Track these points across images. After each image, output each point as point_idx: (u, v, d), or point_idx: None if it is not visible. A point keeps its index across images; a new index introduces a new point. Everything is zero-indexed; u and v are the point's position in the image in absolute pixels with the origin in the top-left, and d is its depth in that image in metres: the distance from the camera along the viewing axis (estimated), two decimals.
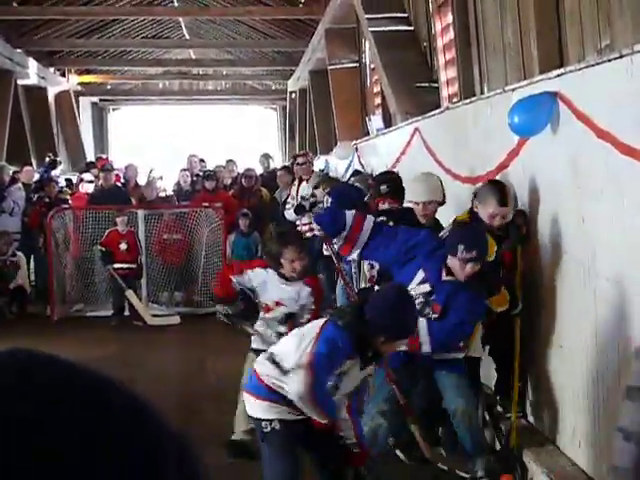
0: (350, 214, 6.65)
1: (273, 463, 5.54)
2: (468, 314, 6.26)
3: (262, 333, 7.30)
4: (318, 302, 7.21)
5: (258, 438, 5.69)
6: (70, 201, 16.77)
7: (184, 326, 13.63)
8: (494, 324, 7.05)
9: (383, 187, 9.27)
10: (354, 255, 7.33)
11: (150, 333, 13.28)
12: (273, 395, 5.48)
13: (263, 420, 5.49)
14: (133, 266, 14.10)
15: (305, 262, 7.13)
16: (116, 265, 13.95)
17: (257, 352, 6.70)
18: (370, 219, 6.70)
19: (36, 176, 17.71)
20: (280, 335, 6.68)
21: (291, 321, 7.03)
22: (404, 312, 5.44)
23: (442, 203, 8.21)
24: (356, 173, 14.02)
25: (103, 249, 14.02)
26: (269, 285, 7.18)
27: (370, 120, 16.01)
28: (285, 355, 5.45)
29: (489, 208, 6.85)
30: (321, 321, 5.63)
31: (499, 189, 6.92)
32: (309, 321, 6.44)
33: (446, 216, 7.95)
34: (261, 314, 7.34)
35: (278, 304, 7.15)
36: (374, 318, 5.29)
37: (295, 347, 5.39)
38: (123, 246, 13.98)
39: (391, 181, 9.74)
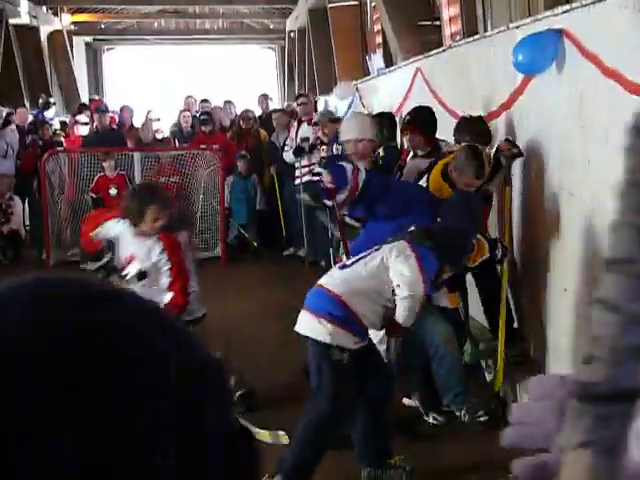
0: (349, 167, 6.65)
1: (340, 391, 5.67)
2: None
3: None
4: (174, 260, 6.73)
5: (318, 361, 5.76)
6: (64, 143, 16.70)
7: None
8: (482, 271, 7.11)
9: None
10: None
11: None
12: (352, 325, 5.69)
13: (336, 347, 5.63)
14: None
15: (166, 220, 6.69)
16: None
17: None
18: (363, 172, 6.72)
19: (30, 118, 17.67)
20: None
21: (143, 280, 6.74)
22: (466, 249, 6.28)
23: (379, 145, 8.39)
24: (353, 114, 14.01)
25: (94, 196, 13.96)
26: (124, 238, 6.84)
27: (371, 60, 15.93)
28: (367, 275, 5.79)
29: (465, 179, 6.88)
30: (400, 242, 5.94)
31: (478, 161, 6.90)
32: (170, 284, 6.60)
33: None
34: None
35: (131, 259, 6.83)
36: (447, 248, 6.01)
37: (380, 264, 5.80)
38: (113, 191, 13.78)
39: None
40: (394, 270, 5.75)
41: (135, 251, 6.76)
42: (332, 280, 5.90)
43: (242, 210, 14.90)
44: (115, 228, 6.88)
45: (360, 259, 5.96)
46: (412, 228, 6.08)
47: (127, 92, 31.77)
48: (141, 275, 6.74)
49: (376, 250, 5.93)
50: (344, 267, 6.07)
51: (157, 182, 13.82)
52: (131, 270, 6.77)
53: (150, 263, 6.70)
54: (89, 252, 7.21)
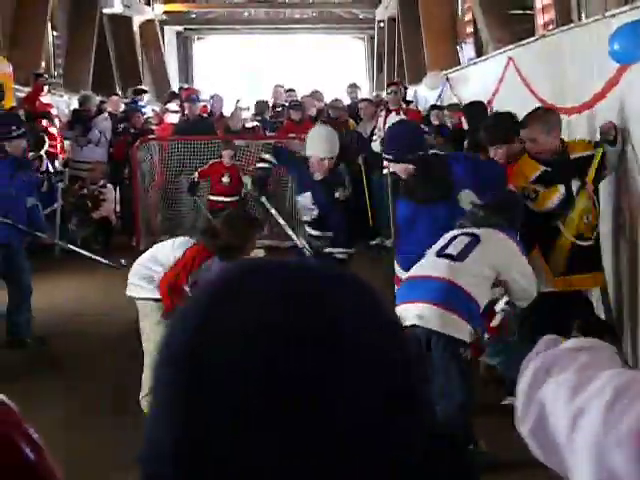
0: None
1: (464, 383, 5.85)
2: None
3: None
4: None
5: (447, 359, 5.80)
6: (156, 131, 16.89)
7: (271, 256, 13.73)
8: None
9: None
10: None
11: None
12: (478, 320, 5.90)
13: (462, 342, 5.76)
14: (232, 199, 14.03)
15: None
16: (214, 197, 13.98)
17: None
18: None
19: (122, 106, 17.90)
20: None
21: None
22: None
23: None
24: (433, 107, 14.01)
25: (196, 179, 14.03)
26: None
27: (461, 49, 15.87)
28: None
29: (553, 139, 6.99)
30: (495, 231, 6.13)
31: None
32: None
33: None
34: None
35: None
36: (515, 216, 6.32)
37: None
38: (226, 179, 13.91)
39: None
40: (506, 257, 5.93)
41: None
42: (450, 271, 5.90)
43: None
44: (214, 267, 7.02)
45: (448, 245, 6.03)
46: (474, 210, 6.13)
47: (216, 81, 31.99)
48: None
49: (465, 235, 6.00)
50: (442, 255, 6.04)
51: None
52: None
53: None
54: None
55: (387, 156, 7.24)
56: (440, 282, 5.85)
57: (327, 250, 8.40)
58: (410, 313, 5.72)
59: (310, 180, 8.43)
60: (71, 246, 11.28)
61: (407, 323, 5.63)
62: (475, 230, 6.06)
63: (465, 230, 6.11)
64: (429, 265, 6.05)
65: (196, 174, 13.90)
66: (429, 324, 5.74)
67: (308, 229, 8.71)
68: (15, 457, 1.00)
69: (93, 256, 10.44)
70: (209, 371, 0.94)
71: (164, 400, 0.98)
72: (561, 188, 6.72)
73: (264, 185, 9.00)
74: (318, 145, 8.46)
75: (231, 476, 0.92)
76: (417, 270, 6.10)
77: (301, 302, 0.97)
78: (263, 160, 9.03)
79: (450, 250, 6.00)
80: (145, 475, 0.99)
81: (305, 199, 8.52)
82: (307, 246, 8.56)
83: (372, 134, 14.24)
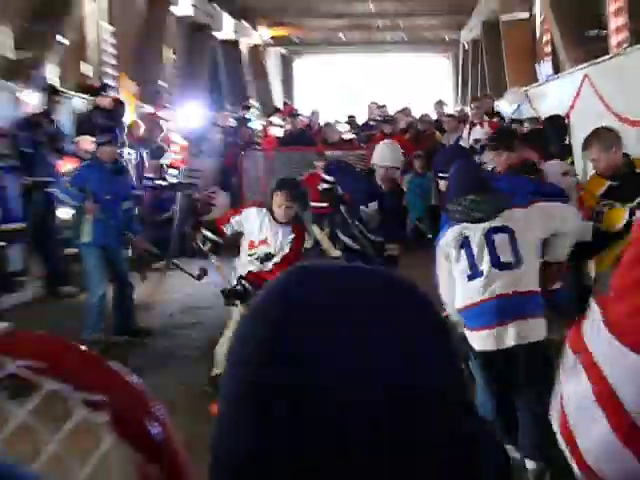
0: None
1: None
2: None
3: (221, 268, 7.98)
4: (295, 249, 7.44)
5: (539, 361, 5.53)
6: (261, 143, 17.05)
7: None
8: None
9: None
10: None
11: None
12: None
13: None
14: (325, 205, 14.11)
15: (291, 210, 7.37)
16: (313, 204, 14.06)
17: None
18: None
19: (231, 121, 18.10)
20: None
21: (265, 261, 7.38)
22: None
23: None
24: (512, 121, 13.88)
25: None
26: (261, 224, 7.41)
27: (540, 67, 15.70)
28: None
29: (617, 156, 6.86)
30: (511, 211, 5.76)
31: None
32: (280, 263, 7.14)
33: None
34: (244, 251, 7.60)
35: (263, 243, 7.42)
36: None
37: None
38: (321, 187, 14.04)
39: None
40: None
41: (269, 236, 7.36)
42: (516, 281, 5.60)
43: (418, 204, 14.93)
44: (253, 214, 7.47)
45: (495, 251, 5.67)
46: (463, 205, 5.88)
47: (315, 97, 32.10)
48: (267, 256, 7.35)
49: (497, 233, 5.70)
50: (501, 267, 5.64)
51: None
52: (259, 251, 7.39)
53: (278, 248, 7.34)
54: (216, 225, 7.65)
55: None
56: (515, 296, 5.56)
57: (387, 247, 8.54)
58: (505, 334, 5.50)
59: (376, 190, 8.51)
60: (175, 261, 11.45)
61: (503, 346, 5.48)
62: (497, 223, 5.68)
63: (492, 226, 5.69)
64: (496, 281, 5.63)
65: None
66: (527, 339, 5.53)
67: (369, 235, 8.75)
68: (145, 435, 1.02)
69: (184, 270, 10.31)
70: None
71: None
72: (626, 211, 6.59)
73: (338, 199, 9.14)
74: (388, 157, 8.61)
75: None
76: (486, 290, 5.62)
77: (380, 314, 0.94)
78: (325, 181, 9.31)
79: (504, 258, 5.63)
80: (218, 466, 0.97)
81: (371, 208, 8.55)
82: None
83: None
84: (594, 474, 1.67)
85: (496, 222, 5.64)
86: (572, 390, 1.73)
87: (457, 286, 5.73)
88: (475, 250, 5.63)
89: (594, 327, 1.71)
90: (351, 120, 19.27)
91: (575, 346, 1.76)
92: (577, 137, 10.73)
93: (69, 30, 14.19)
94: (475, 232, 5.66)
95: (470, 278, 5.65)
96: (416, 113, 18.54)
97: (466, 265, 5.66)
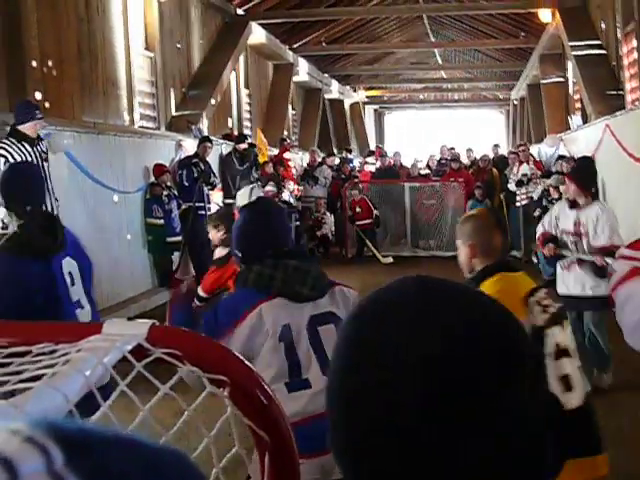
0: None
1: None
2: None
3: None
4: None
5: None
6: (359, 176, 17.05)
7: (424, 264, 13.48)
8: None
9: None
10: None
11: (385, 266, 13.43)
12: None
13: None
14: (368, 221, 14.23)
15: None
16: (358, 222, 14.29)
17: None
18: None
19: (337, 160, 18.14)
20: None
21: None
22: None
23: None
24: (560, 157, 13.55)
25: (350, 214, 14.48)
26: None
27: (572, 119, 15.34)
28: None
29: None
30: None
31: None
32: None
33: (630, 196, 7.51)
34: None
35: None
36: None
37: None
38: (358, 209, 14.50)
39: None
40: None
41: None
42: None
43: None
44: None
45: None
46: None
47: (401, 142, 31.99)
48: None
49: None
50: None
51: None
52: None
53: None
54: None
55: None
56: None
57: None
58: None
59: None
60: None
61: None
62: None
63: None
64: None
65: (349, 211, 14.58)
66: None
67: None
68: (253, 403, 1.01)
69: None
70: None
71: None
72: None
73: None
74: None
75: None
76: None
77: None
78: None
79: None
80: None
81: None
82: None
83: (508, 178, 14.02)
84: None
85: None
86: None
87: None
88: None
89: None
90: (430, 158, 19.06)
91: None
92: (600, 173, 10.60)
93: (218, 94, 14.43)
94: None
95: None
96: (477, 153, 18.38)
97: None
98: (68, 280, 3.54)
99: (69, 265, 3.56)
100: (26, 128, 7.33)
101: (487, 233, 2.95)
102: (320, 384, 2.51)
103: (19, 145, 7.29)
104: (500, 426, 0.76)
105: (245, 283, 2.76)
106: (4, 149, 7.21)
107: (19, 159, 7.17)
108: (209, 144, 11.94)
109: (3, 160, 7.14)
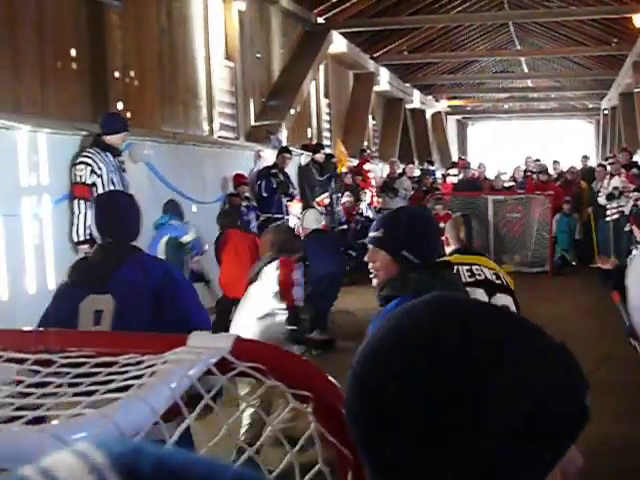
0: None
1: None
2: None
3: None
4: None
5: None
6: (441, 189, 16.96)
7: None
8: None
9: None
10: None
11: None
12: None
13: None
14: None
15: None
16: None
17: None
18: None
19: (417, 172, 18.10)
20: None
21: None
22: None
23: None
24: None
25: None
26: None
27: None
28: None
29: None
30: None
31: None
32: None
33: None
34: None
35: None
36: None
37: None
38: (442, 224, 13.92)
39: None
40: None
41: None
42: None
43: (565, 239, 14.49)
44: None
45: None
46: None
47: (485, 153, 31.66)
48: None
49: None
50: None
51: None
52: None
53: None
54: None
55: None
56: None
57: None
58: None
59: None
60: None
61: None
62: None
63: None
64: None
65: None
66: None
67: None
68: (338, 420, 1.01)
69: None
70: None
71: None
72: None
73: None
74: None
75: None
76: None
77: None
78: None
79: None
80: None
81: None
82: None
83: (598, 191, 13.70)
84: None
85: None
86: None
87: None
88: None
89: None
90: (515, 170, 18.72)
91: None
92: None
93: (297, 103, 14.56)
94: None
95: None
96: (564, 165, 18.04)
97: None
98: (91, 318, 3.28)
99: (95, 303, 3.32)
100: (114, 139, 7.61)
101: (455, 230, 4.53)
102: None
103: (103, 155, 7.54)
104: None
105: (404, 290, 2.87)
106: (90, 158, 7.48)
107: (103, 168, 7.45)
108: (288, 155, 12.03)
109: (89, 169, 7.42)
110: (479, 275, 4.00)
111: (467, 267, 4.03)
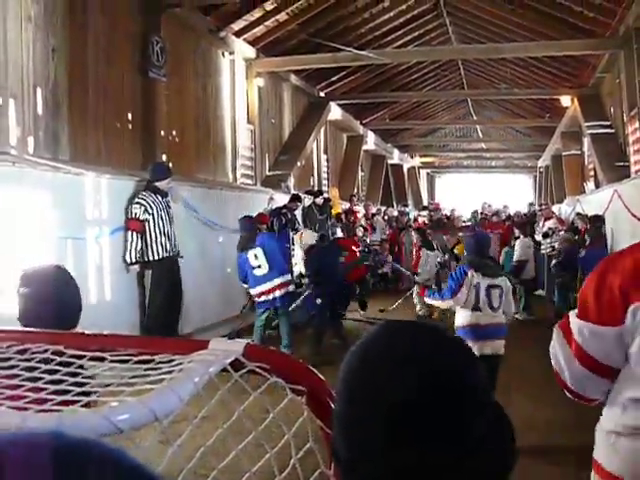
0: None
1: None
2: None
3: None
4: None
5: None
6: (414, 225, 16.92)
7: None
8: None
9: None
10: None
11: None
12: None
13: None
14: None
15: None
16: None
17: None
18: None
19: (395, 212, 18.10)
20: None
21: None
22: None
23: None
24: (577, 215, 13.24)
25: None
26: None
27: (586, 184, 14.98)
28: None
29: None
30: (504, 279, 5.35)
31: None
32: None
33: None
34: None
35: None
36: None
37: None
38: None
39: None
40: None
41: None
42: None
43: (509, 266, 14.25)
44: None
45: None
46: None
47: (449, 199, 31.66)
48: None
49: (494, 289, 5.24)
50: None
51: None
52: None
53: None
54: None
55: None
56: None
57: None
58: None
59: None
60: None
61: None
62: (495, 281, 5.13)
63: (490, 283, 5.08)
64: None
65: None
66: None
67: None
68: (325, 408, 1.01)
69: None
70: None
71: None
72: None
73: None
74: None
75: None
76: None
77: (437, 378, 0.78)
78: None
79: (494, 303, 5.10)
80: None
81: None
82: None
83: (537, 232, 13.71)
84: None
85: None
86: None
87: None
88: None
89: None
90: (474, 213, 18.67)
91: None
92: (608, 229, 10.42)
93: (302, 158, 14.63)
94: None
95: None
96: (513, 209, 18.12)
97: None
98: None
99: None
100: (162, 184, 7.63)
101: None
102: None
103: (154, 197, 7.57)
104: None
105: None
106: (144, 199, 7.52)
107: (154, 208, 7.51)
108: (299, 202, 12.13)
109: (143, 208, 7.47)
110: None
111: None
